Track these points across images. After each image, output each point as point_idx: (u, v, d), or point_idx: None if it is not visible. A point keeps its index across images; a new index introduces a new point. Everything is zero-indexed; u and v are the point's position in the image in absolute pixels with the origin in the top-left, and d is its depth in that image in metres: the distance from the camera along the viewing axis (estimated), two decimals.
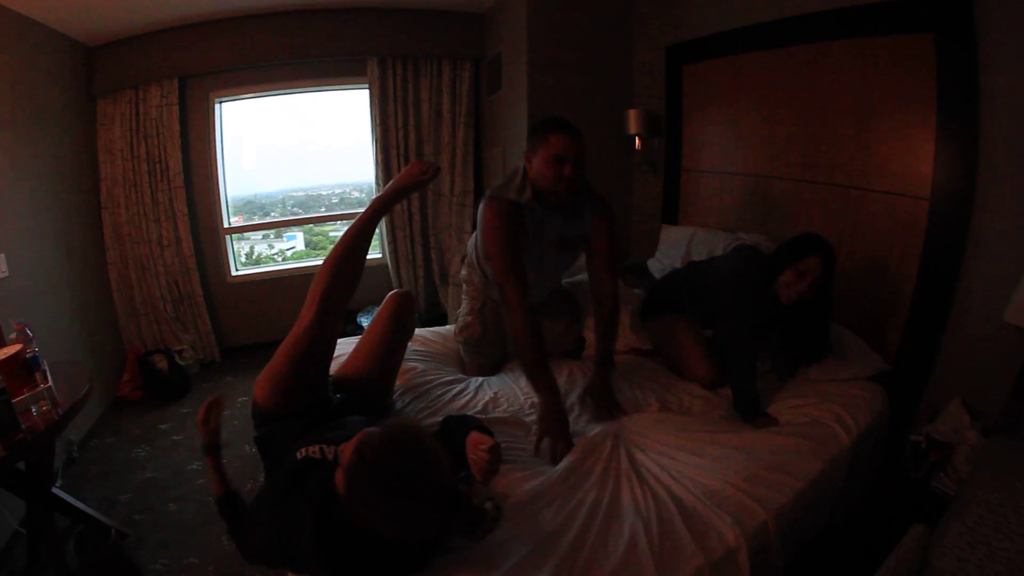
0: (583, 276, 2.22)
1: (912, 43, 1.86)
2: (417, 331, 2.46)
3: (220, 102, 3.78)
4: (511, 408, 1.80)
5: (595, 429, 1.62)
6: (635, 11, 3.18)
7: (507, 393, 1.89)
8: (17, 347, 1.89)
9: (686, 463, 1.45)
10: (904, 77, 1.91)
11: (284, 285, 4.09)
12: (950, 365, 1.93)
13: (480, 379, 2.05)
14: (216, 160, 3.80)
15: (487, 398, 1.85)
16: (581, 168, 1.74)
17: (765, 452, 1.47)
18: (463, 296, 2.26)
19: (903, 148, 1.95)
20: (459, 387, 1.94)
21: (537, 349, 1.65)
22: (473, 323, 2.17)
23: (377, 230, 4.11)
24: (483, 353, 2.18)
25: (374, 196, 3.90)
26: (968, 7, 1.71)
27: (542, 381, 1.64)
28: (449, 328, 2.52)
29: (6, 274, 2.46)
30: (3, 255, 2.46)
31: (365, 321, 3.86)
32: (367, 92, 3.78)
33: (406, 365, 2.00)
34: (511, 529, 1.20)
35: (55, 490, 2.08)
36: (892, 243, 2.01)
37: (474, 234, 2.02)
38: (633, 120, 3.07)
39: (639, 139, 3.15)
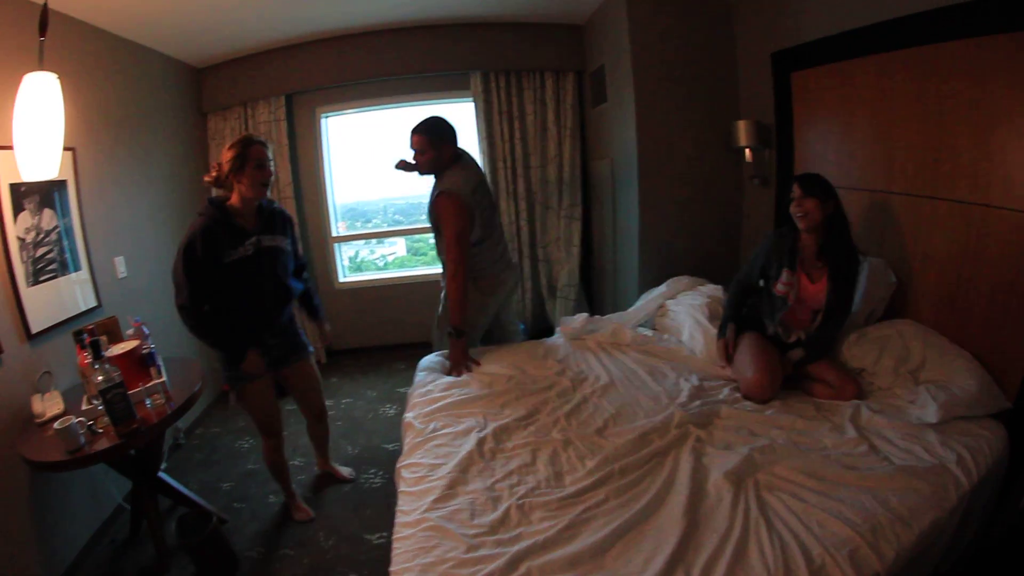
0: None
1: None
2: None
3: (326, 116, 3.99)
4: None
5: (728, 464, 1.61)
6: (737, 16, 2.98)
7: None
8: (134, 343, 2.06)
9: (817, 507, 1.45)
10: None
11: (388, 293, 4.22)
12: None
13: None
14: (324, 171, 4.01)
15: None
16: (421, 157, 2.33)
17: (892, 496, 1.47)
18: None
19: None
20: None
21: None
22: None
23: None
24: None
25: None
26: None
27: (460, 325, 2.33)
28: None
29: (125, 275, 2.71)
30: (122, 257, 2.70)
31: None
32: (472, 105, 3.82)
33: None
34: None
35: (160, 474, 2.24)
36: (1020, 266, 1.75)
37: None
38: (743, 131, 2.85)
39: (749, 151, 2.92)
